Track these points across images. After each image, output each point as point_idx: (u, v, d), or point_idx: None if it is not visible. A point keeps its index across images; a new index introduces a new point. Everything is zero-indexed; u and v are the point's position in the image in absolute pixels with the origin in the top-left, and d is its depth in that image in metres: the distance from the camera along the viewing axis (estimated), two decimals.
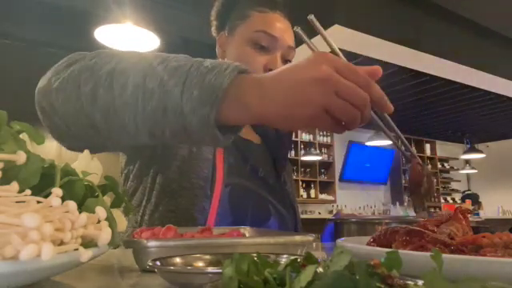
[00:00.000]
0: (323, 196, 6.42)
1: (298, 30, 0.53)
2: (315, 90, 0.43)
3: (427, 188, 0.56)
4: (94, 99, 0.51)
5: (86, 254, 0.31)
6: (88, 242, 0.34)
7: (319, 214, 6.19)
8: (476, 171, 7.26)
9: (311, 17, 0.51)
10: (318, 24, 0.52)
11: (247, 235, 0.64)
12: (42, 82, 0.59)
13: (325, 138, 6.54)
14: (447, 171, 7.88)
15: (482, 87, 3.94)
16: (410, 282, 0.20)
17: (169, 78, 0.47)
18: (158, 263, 0.33)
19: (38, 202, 0.31)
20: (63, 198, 0.33)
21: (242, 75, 0.47)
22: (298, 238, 0.50)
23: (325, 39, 0.51)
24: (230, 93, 0.45)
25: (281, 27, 0.83)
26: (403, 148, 0.56)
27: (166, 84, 0.47)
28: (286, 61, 0.86)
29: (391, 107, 0.48)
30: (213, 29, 0.92)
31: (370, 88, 0.45)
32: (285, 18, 0.86)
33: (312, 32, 0.57)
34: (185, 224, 0.69)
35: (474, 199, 6.83)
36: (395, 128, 0.57)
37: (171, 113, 0.47)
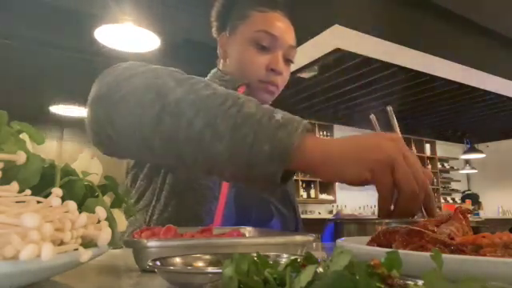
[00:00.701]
0: (323, 196, 6.42)
1: (373, 117, 0.55)
2: (379, 151, 0.46)
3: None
4: (158, 124, 0.49)
5: (85, 254, 0.31)
6: (88, 242, 0.34)
7: (319, 214, 6.20)
8: (476, 171, 7.26)
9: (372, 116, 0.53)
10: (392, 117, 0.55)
11: (247, 235, 0.64)
12: (99, 88, 0.56)
13: None
14: (447, 171, 7.88)
15: (481, 87, 3.95)
16: (409, 282, 0.20)
17: (241, 124, 0.47)
18: (158, 263, 0.33)
19: (38, 202, 0.31)
20: (63, 198, 0.33)
21: (309, 135, 0.48)
22: (298, 237, 0.50)
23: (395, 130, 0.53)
24: (297, 151, 0.46)
25: (281, 26, 0.83)
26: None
27: (237, 129, 0.47)
28: (287, 60, 0.86)
29: (436, 214, 0.49)
30: (213, 30, 0.92)
31: (426, 186, 0.46)
32: (285, 18, 0.86)
33: None
34: (192, 224, 0.69)
35: (474, 199, 6.83)
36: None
37: (238, 160, 0.47)
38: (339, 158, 0.47)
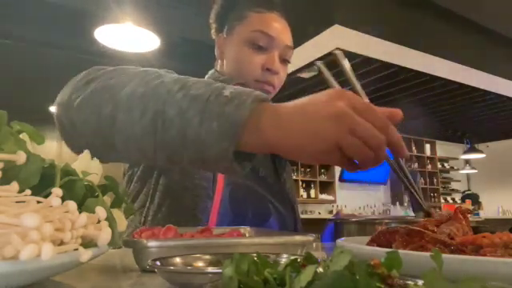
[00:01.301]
0: (323, 196, 6.42)
1: (320, 64, 0.52)
2: (330, 125, 0.43)
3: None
4: (113, 122, 0.50)
5: (85, 254, 0.31)
6: (88, 242, 0.34)
7: (319, 214, 6.20)
8: (476, 171, 7.26)
9: (319, 64, 0.50)
10: (342, 60, 0.50)
11: (247, 235, 0.64)
12: (61, 97, 0.58)
13: None
14: (447, 171, 7.87)
15: (481, 87, 3.94)
16: (409, 282, 0.20)
17: (188, 106, 0.47)
18: (158, 263, 0.33)
19: (38, 202, 0.31)
20: (63, 198, 0.33)
21: (261, 105, 0.47)
22: (298, 237, 0.50)
23: (349, 78, 0.49)
24: (248, 124, 0.45)
25: (278, 27, 0.84)
26: (417, 197, 0.56)
27: (185, 112, 0.47)
28: (284, 60, 0.86)
29: (407, 152, 0.47)
30: (212, 31, 0.93)
31: (387, 130, 0.44)
32: (282, 18, 0.86)
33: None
34: (187, 224, 0.69)
35: (474, 199, 6.83)
36: (407, 174, 0.56)
37: (190, 143, 0.47)
38: (293, 116, 0.45)
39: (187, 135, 0.46)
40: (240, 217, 0.79)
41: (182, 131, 0.47)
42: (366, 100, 0.47)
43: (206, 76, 0.91)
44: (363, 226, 0.80)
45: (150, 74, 0.53)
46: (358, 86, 0.50)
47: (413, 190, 0.55)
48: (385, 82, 3.91)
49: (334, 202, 6.46)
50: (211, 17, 0.92)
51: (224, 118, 0.45)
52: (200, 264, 0.37)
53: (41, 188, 0.35)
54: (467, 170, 7.32)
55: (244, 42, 0.83)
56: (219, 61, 0.91)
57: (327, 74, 0.51)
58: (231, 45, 0.86)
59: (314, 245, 0.74)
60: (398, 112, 0.47)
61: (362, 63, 3.37)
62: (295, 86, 4.06)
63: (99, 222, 0.36)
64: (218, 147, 0.45)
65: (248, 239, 0.56)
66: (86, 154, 0.45)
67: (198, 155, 0.48)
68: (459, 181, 7.95)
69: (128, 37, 2.80)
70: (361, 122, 0.43)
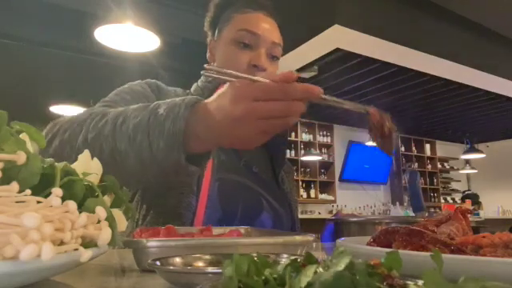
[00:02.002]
0: (323, 196, 6.42)
1: (211, 66, 0.56)
2: (241, 125, 0.50)
3: (389, 127, 0.57)
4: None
5: (86, 254, 0.31)
6: (88, 242, 0.34)
7: (319, 213, 6.19)
8: (476, 171, 7.26)
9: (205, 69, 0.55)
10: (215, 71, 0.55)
11: (247, 235, 0.64)
12: (52, 151, 0.63)
13: (325, 138, 6.54)
14: (447, 171, 7.87)
15: (481, 87, 3.94)
16: (409, 282, 0.20)
17: (134, 134, 0.55)
18: (158, 263, 0.33)
19: (38, 202, 0.31)
20: (63, 198, 0.33)
21: (194, 109, 0.54)
22: (298, 237, 0.50)
23: (236, 76, 0.53)
24: (187, 132, 0.53)
25: (263, 25, 0.85)
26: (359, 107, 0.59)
27: (134, 140, 0.55)
28: (272, 57, 0.86)
29: (317, 88, 0.51)
30: (208, 39, 0.95)
31: (288, 94, 0.49)
32: (269, 17, 0.88)
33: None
34: (173, 223, 0.70)
35: (474, 199, 6.83)
36: (341, 101, 0.61)
37: (149, 164, 0.55)
38: (213, 121, 0.52)
39: (143, 159, 0.55)
40: (229, 212, 0.79)
41: (138, 157, 0.55)
42: (260, 82, 0.51)
43: (199, 80, 0.93)
44: (363, 225, 0.80)
45: (96, 116, 0.61)
46: (252, 77, 0.53)
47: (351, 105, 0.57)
48: (385, 82, 3.91)
49: (333, 202, 6.46)
50: (205, 25, 0.94)
51: (166, 134, 0.53)
52: (200, 264, 0.37)
53: (41, 188, 0.35)
54: (467, 170, 7.32)
55: (230, 42, 0.85)
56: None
57: (217, 75, 0.55)
58: (219, 46, 0.88)
59: (314, 245, 0.74)
60: (289, 73, 0.50)
61: (362, 63, 3.37)
62: None
63: (99, 222, 0.36)
64: (172, 160, 0.53)
65: (248, 239, 0.56)
66: (86, 153, 0.45)
67: (159, 171, 0.56)
68: (459, 181, 7.95)
69: (128, 37, 2.79)
70: (262, 108, 0.49)
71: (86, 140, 0.58)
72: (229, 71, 0.53)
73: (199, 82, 0.93)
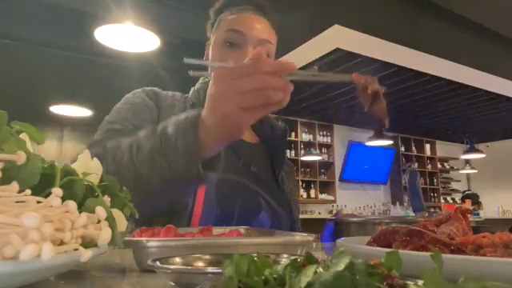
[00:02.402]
0: (323, 196, 6.42)
1: (190, 60, 0.60)
2: (225, 104, 0.55)
3: (375, 89, 0.58)
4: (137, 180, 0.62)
5: (86, 254, 0.31)
6: (88, 242, 0.34)
7: (319, 213, 6.19)
8: (476, 171, 7.26)
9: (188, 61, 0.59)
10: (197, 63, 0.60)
11: (247, 235, 0.64)
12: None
13: (325, 138, 6.54)
14: (447, 171, 7.87)
15: (481, 87, 3.94)
16: (409, 282, 0.20)
17: (152, 159, 0.60)
18: (158, 263, 0.33)
19: (38, 202, 0.31)
20: (63, 198, 0.33)
21: (197, 122, 0.59)
22: (298, 237, 0.50)
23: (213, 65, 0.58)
24: (198, 144, 0.58)
25: (250, 23, 0.86)
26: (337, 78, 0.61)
27: (153, 164, 0.60)
28: None
29: (291, 63, 0.56)
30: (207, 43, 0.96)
31: (259, 68, 0.53)
32: (259, 16, 0.88)
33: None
34: (169, 222, 0.70)
35: (474, 199, 6.82)
36: (322, 73, 0.70)
37: (172, 181, 0.60)
38: (221, 135, 0.58)
39: (166, 178, 0.60)
40: (227, 211, 0.80)
41: (160, 178, 0.60)
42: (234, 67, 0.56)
43: (197, 84, 0.95)
44: (363, 225, 0.80)
45: (111, 152, 0.65)
46: (219, 64, 0.60)
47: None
48: (385, 82, 3.91)
49: (333, 202, 6.46)
50: (207, 31, 0.95)
51: (181, 152, 0.58)
52: (200, 264, 0.37)
53: (41, 188, 0.35)
54: (467, 170, 7.32)
55: (220, 44, 0.86)
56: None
57: (197, 72, 0.61)
58: (213, 49, 0.89)
59: (314, 245, 0.74)
60: (257, 52, 0.54)
61: (362, 63, 3.37)
62: (296, 86, 4.05)
63: (99, 222, 0.36)
64: (193, 172, 0.59)
65: (248, 239, 0.56)
66: (86, 153, 0.45)
67: (182, 185, 0.63)
68: (459, 181, 7.95)
69: (128, 37, 2.79)
70: (239, 83, 0.53)
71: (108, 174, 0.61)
72: (207, 62, 0.57)
73: (196, 85, 0.94)
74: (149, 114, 0.85)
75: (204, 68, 0.69)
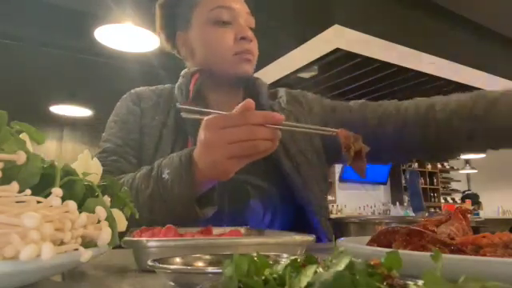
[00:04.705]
0: None
1: (185, 106, 0.63)
2: (214, 152, 0.57)
3: (358, 148, 0.58)
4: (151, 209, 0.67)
5: (86, 254, 0.31)
6: (88, 242, 0.34)
7: None
8: (476, 171, 7.26)
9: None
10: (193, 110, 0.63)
11: (247, 235, 0.64)
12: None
13: None
14: (447, 171, 7.87)
15: (481, 87, 3.94)
16: (409, 282, 0.20)
17: (151, 206, 0.65)
18: (158, 263, 0.33)
19: (38, 202, 0.31)
20: (63, 198, 0.33)
21: (191, 159, 0.62)
22: (298, 237, 0.50)
23: (208, 113, 0.60)
24: (194, 181, 0.62)
25: None
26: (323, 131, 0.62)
27: (152, 210, 0.65)
28: (250, 28, 0.85)
29: (277, 115, 0.57)
30: (162, 42, 0.93)
31: (248, 119, 0.55)
32: None
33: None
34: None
35: (474, 199, 6.83)
36: (308, 126, 0.72)
37: (177, 220, 0.62)
38: (200, 170, 0.61)
39: (170, 219, 0.61)
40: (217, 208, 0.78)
41: (162, 219, 0.61)
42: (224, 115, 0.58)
43: (180, 77, 0.88)
44: (363, 225, 0.80)
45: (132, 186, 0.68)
46: (214, 111, 0.61)
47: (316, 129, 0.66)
48: (385, 82, 3.91)
49: (333, 202, 6.46)
50: (157, 29, 0.92)
51: (181, 200, 0.63)
52: (200, 264, 0.37)
53: (41, 188, 0.35)
54: (467, 170, 7.32)
55: (206, 23, 0.82)
56: (190, 59, 0.90)
57: (192, 115, 0.64)
58: (194, 34, 0.85)
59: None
60: (247, 102, 0.55)
61: (362, 63, 3.37)
62: (295, 86, 4.06)
63: (99, 222, 0.36)
64: (193, 214, 0.65)
65: (248, 239, 0.56)
66: (86, 153, 0.45)
67: (183, 219, 0.65)
68: (459, 181, 7.95)
69: (128, 37, 2.79)
70: (228, 133, 0.55)
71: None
72: (201, 110, 0.61)
73: (178, 81, 0.89)
74: (133, 122, 0.85)
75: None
